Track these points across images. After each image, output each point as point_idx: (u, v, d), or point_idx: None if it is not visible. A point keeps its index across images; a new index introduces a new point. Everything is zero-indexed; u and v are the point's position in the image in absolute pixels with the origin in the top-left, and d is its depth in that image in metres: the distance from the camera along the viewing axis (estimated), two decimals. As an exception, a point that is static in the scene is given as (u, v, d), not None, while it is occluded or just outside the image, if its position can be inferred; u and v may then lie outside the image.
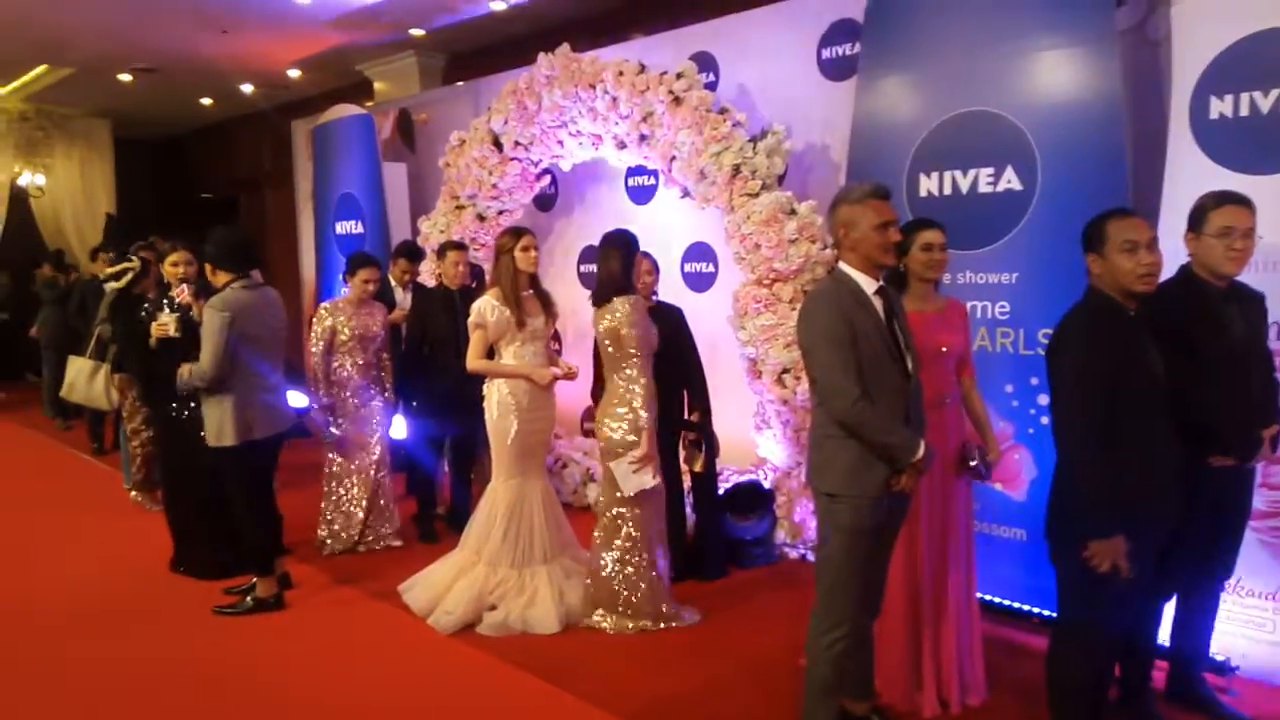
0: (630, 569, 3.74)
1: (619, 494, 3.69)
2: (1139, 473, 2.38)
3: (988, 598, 3.68)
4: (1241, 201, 2.65)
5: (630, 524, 3.73)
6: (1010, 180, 3.67)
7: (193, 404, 4.25)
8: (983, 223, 3.72)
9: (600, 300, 3.69)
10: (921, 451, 2.44)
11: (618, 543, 3.74)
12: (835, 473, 2.49)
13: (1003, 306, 3.73)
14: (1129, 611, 2.55)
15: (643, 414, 3.60)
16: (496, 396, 3.96)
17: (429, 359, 4.94)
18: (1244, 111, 3.16)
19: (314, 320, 4.83)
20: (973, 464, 2.92)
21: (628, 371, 3.65)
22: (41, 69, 9.48)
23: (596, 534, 3.81)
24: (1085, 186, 3.42)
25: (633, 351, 3.61)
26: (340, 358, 4.80)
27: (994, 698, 3.09)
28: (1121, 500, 2.34)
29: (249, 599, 4.09)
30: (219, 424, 3.87)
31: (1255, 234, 2.67)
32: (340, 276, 4.99)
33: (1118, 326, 2.40)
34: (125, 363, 5.52)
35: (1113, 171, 3.40)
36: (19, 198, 11.21)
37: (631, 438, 3.62)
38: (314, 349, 4.79)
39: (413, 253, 5.85)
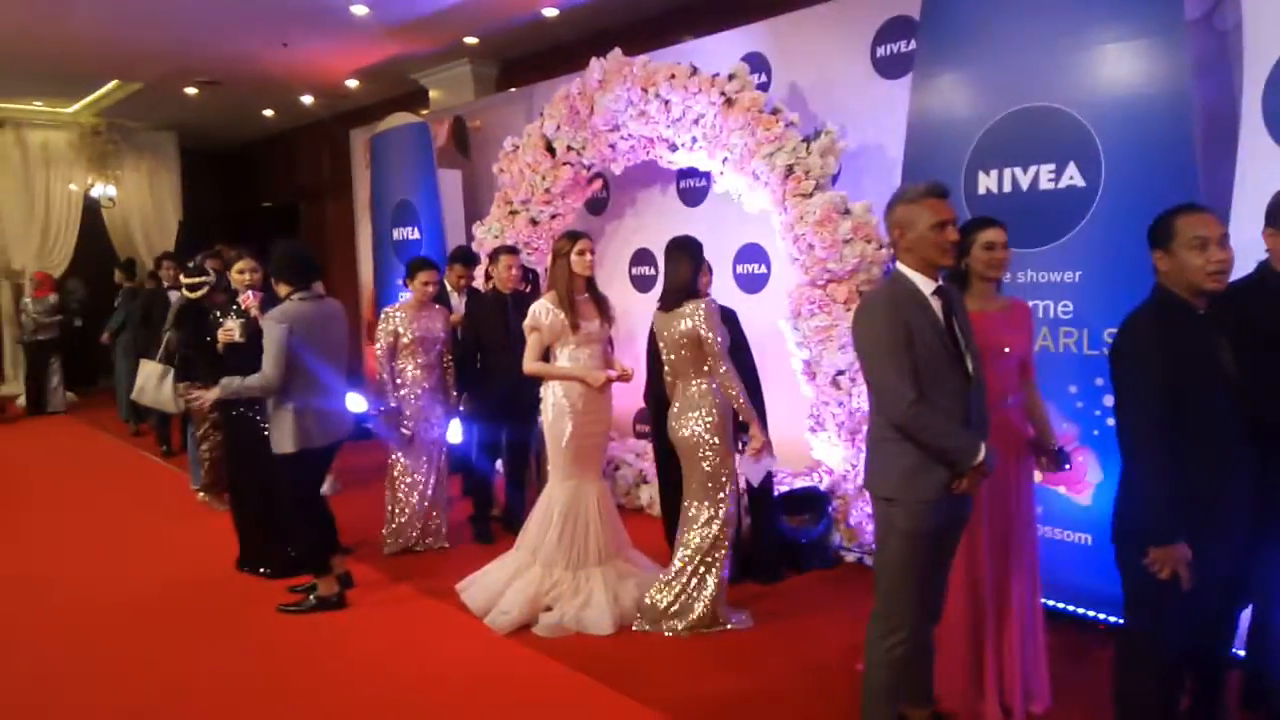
0: (705, 570, 3.74)
1: (707, 493, 3.71)
2: (1208, 478, 2.30)
3: (1052, 603, 3.59)
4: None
5: (717, 524, 3.73)
6: (1073, 176, 3.58)
7: (257, 405, 4.37)
8: (1044, 220, 3.64)
9: (670, 304, 3.70)
10: (983, 454, 2.39)
11: (697, 543, 3.75)
12: (892, 476, 2.46)
13: (1065, 306, 3.64)
14: (1196, 620, 2.46)
15: (723, 411, 3.67)
16: (552, 399, 3.99)
17: (484, 362, 5.00)
18: (1320, 101, 3.04)
19: (378, 325, 4.92)
20: (1055, 449, 2.88)
21: (706, 372, 3.67)
22: (112, 85, 9.83)
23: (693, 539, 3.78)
24: (1152, 182, 3.32)
25: (715, 353, 3.62)
26: (403, 361, 4.88)
27: (1058, 706, 3.01)
28: (1186, 506, 2.26)
29: (312, 597, 4.18)
30: (280, 430, 3.98)
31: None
32: (400, 281, 5.09)
33: (1186, 326, 2.32)
34: (194, 368, 5.69)
35: (1181, 166, 3.30)
36: (91, 209, 11.63)
37: (715, 439, 3.66)
38: (378, 353, 4.89)
39: (468, 258, 5.93)
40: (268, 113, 11.30)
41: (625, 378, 4.09)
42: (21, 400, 10.50)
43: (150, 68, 8.81)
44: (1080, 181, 3.56)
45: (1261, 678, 2.88)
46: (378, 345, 4.90)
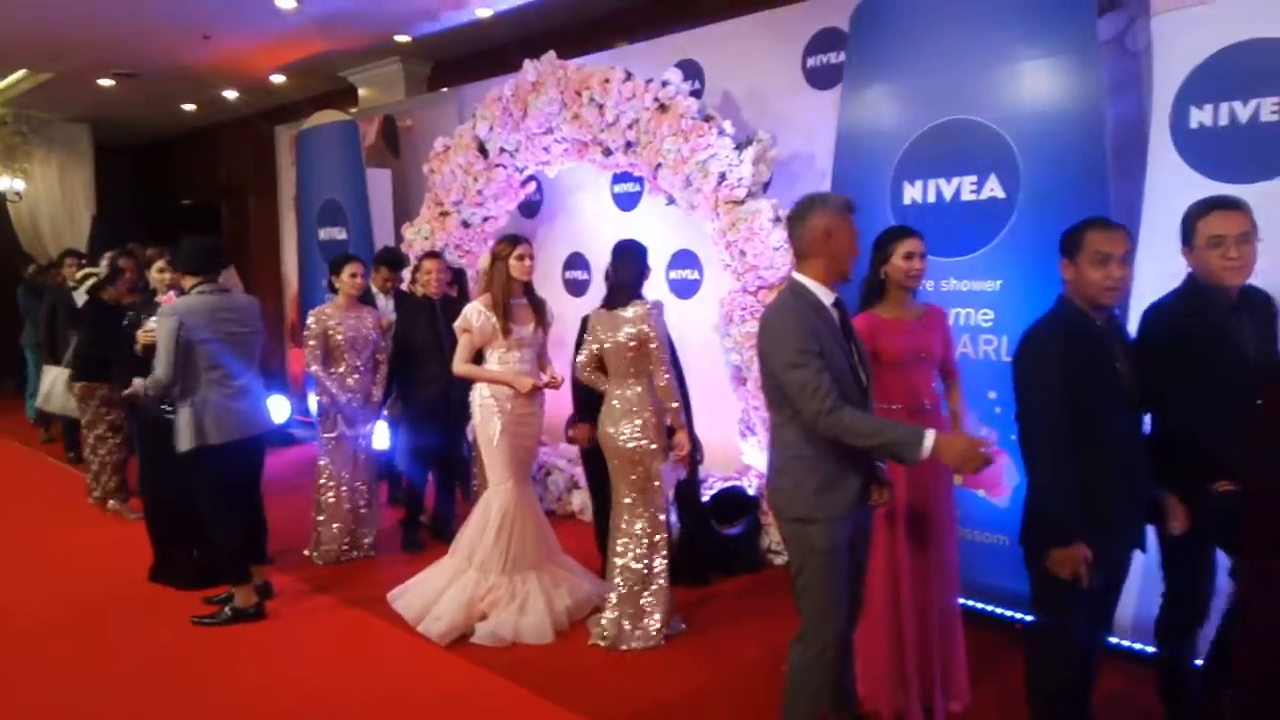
0: (648, 573, 3.73)
1: (636, 497, 3.70)
2: (1103, 482, 2.38)
3: (970, 603, 3.68)
4: (1230, 206, 2.49)
5: (658, 535, 3.73)
6: (993, 188, 3.69)
7: (167, 407, 4.20)
8: (966, 230, 3.75)
9: (615, 304, 3.69)
10: (930, 441, 2.25)
11: (637, 549, 3.73)
12: (804, 496, 2.43)
13: (986, 314, 3.74)
14: (1095, 614, 2.55)
15: (659, 415, 3.67)
16: (479, 399, 3.97)
17: (413, 367, 4.91)
18: (1223, 121, 3.19)
19: (307, 326, 4.75)
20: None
21: (643, 376, 3.67)
22: (20, 74, 9.37)
23: (619, 542, 3.76)
24: (1067, 195, 3.44)
25: (660, 358, 3.63)
26: (332, 363, 4.75)
27: (977, 703, 3.09)
28: (1085, 509, 2.34)
29: (227, 609, 4.04)
30: (180, 428, 3.87)
31: (1255, 238, 2.47)
32: (324, 282, 4.95)
33: (1084, 337, 2.41)
34: (91, 367, 5.46)
35: (1094, 180, 3.43)
36: (-4, 203, 11.10)
37: (653, 446, 3.65)
38: (309, 355, 4.72)
39: (394, 260, 5.81)
40: (188, 107, 10.92)
41: (554, 385, 4.07)
42: None
43: (63, 57, 8.42)
44: (1000, 193, 3.68)
45: (1177, 668, 2.98)
46: (307, 346, 4.74)
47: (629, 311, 3.64)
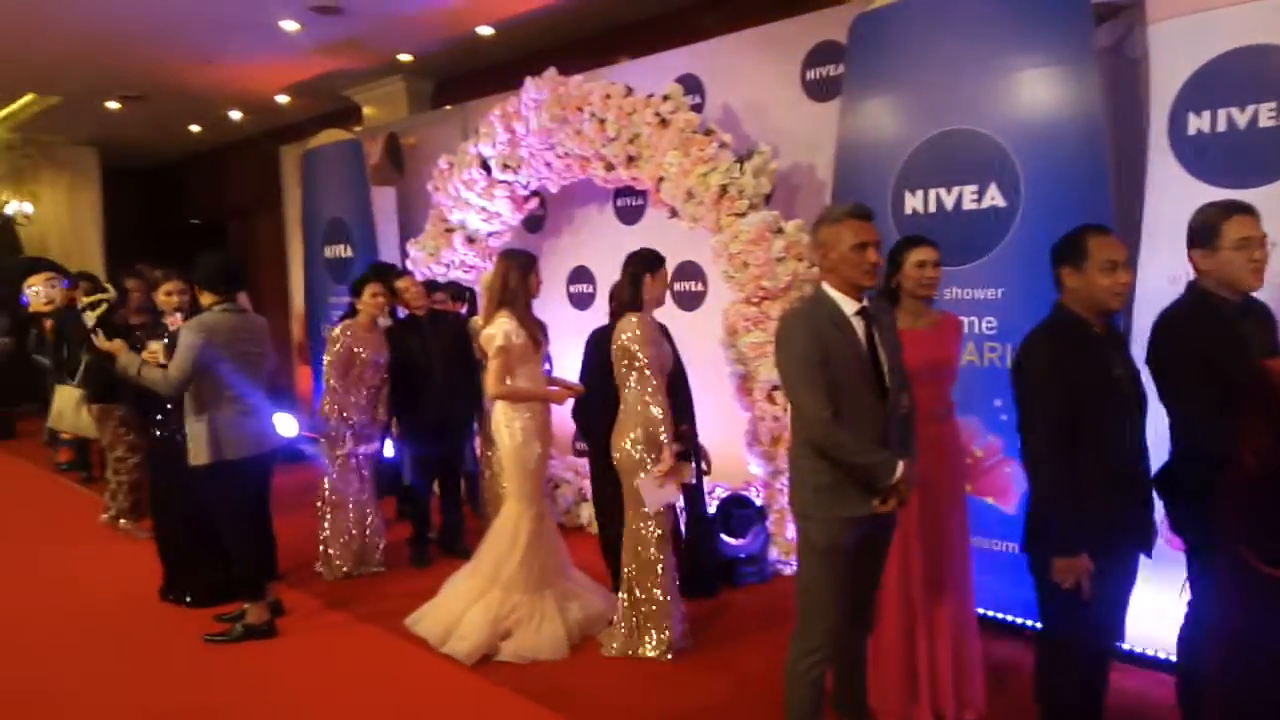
0: (656, 590, 3.70)
1: (644, 511, 3.66)
2: (1107, 489, 2.39)
3: (983, 612, 3.68)
4: (1251, 209, 2.48)
5: (653, 545, 3.69)
6: (994, 197, 3.71)
7: (178, 428, 4.23)
8: (967, 239, 3.76)
9: (615, 316, 3.71)
10: (900, 472, 2.41)
11: (640, 564, 3.70)
12: (807, 493, 2.49)
13: (989, 321, 3.75)
14: (1103, 622, 2.54)
15: (659, 430, 3.58)
16: (520, 422, 3.88)
17: (409, 384, 4.93)
18: (1221, 127, 3.21)
19: (330, 343, 4.74)
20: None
21: (637, 388, 3.62)
22: (28, 98, 9.47)
23: (629, 557, 3.74)
24: (1069, 202, 3.45)
25: (641, 367, 3.58)
26: (351, 380, 4.75)
27: (992, 712, 3.08)
28: (1087, 517, 2.35)
29: (239, 626, 4.05)
30: (195, 443, 3.89)
31: (1269, 241, 2.47)
32: (346, 300, 4.97)
33: (1084, 345, 2.42)
34: (104, 388, 5.49)
35: (1095, 187, 3.45)
36: (6, 226, 11.17)
37: (640, 452, 3.60)
38: (328, 371, 4.71)
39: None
40: (194, 128, 11.02)
41: (579, 393, 4.07)
42: None
43: (70, 80, 8.51)
44: (1001, 202, 3.69)
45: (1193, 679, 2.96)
46: (328, 362, 4.71)
47: (623, 322, 3.62)
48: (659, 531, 3.68)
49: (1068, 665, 2.51)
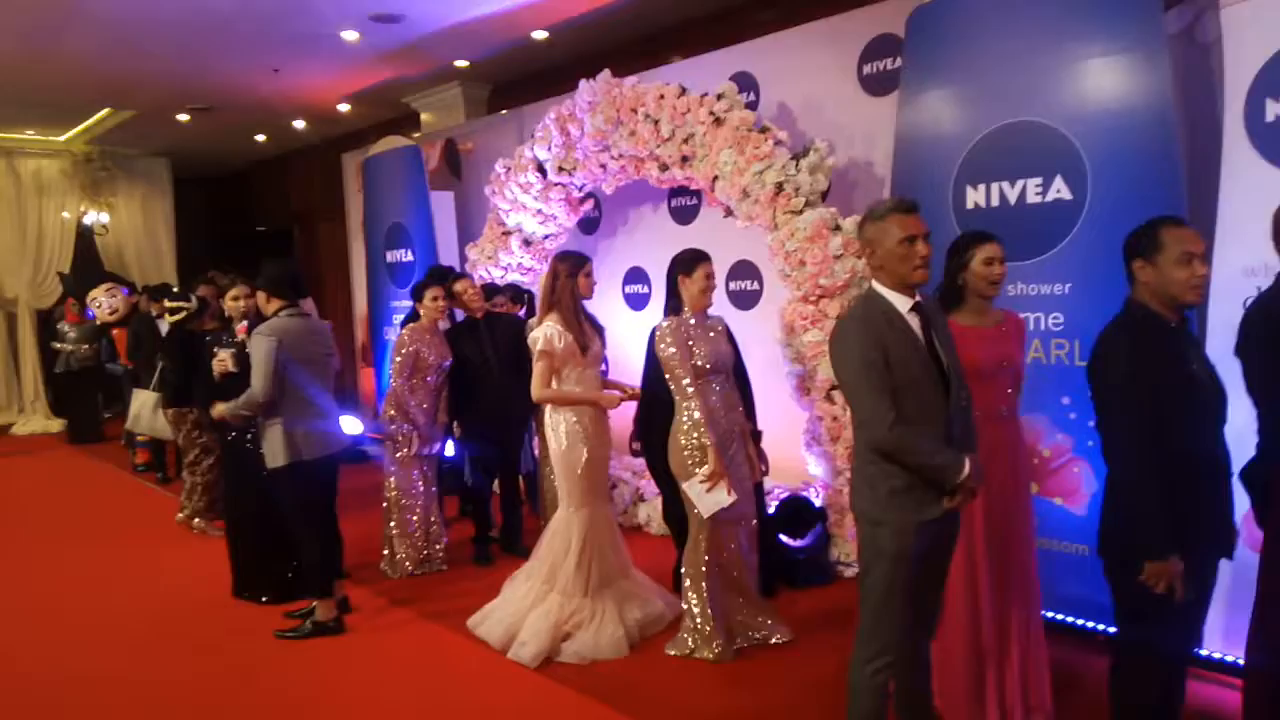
0: (701, 592, 3.68)
1: (697, 515, 3.62)
2: (1189, 489, 2.31)
3: (1051, 615, 3.59)
4: None
5: (703, 546, 3.65)
6: (1059, 190, 3.61)
7: (253, 433, 4.37)
8: (1032, 234, 3.67)
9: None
10: (967, 470, 2.36)
11: (698, 565, 3.67)
12: (879, 497, 2.42)
13: (1056, 318, 3.66)
14: (1188, 627, 2.47)
15: (698, 434, 3.55)
16: (565, 426, 3.89)
17: (466, 385, 5.01)
18: (1303, 112, 3.08)
19: (397, 345, 4.84)
20: None
21: (688, 390, 3.57)
22: (105, 112, 9.86)
23: (689, 558, 3.72)
24: (1139, 194, 3.35)
25: (673, 374, 3.55)
26: (416, 382, 4.86)
27: (1060, 718, 3.01)
28: (1171, 518, 2.27)
29: (308, 623, 4.16)
30: (271, 447, 4.00)
31: None
32: (409, 303, 5.08)
33: (1160, 339, 2.34)
34: (184, 394, 5.69)
35: (1167, 178, 3.33)
36: (85, 236, 11.64)
37: (688, 457, 3.57)
38: (394, 373, 4.81)
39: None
40: (260, 137, 11.34)
41: (635, 397, 4.06)
42: (33, 430, 10.48)
43: (143, 95, 8.85)
44: (1067, 194, 3.60)
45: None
46: (395, 364, 4.81)
47: (657, 328, 3.60)
48: (703, 537, 3.64)
49: (1144, 671, 2.44)
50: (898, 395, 2.36)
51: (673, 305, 3.67)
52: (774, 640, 3.80)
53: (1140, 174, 3.40)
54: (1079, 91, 3.57)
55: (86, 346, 9.33)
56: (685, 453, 3.58)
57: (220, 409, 4.22)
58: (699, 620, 3.70)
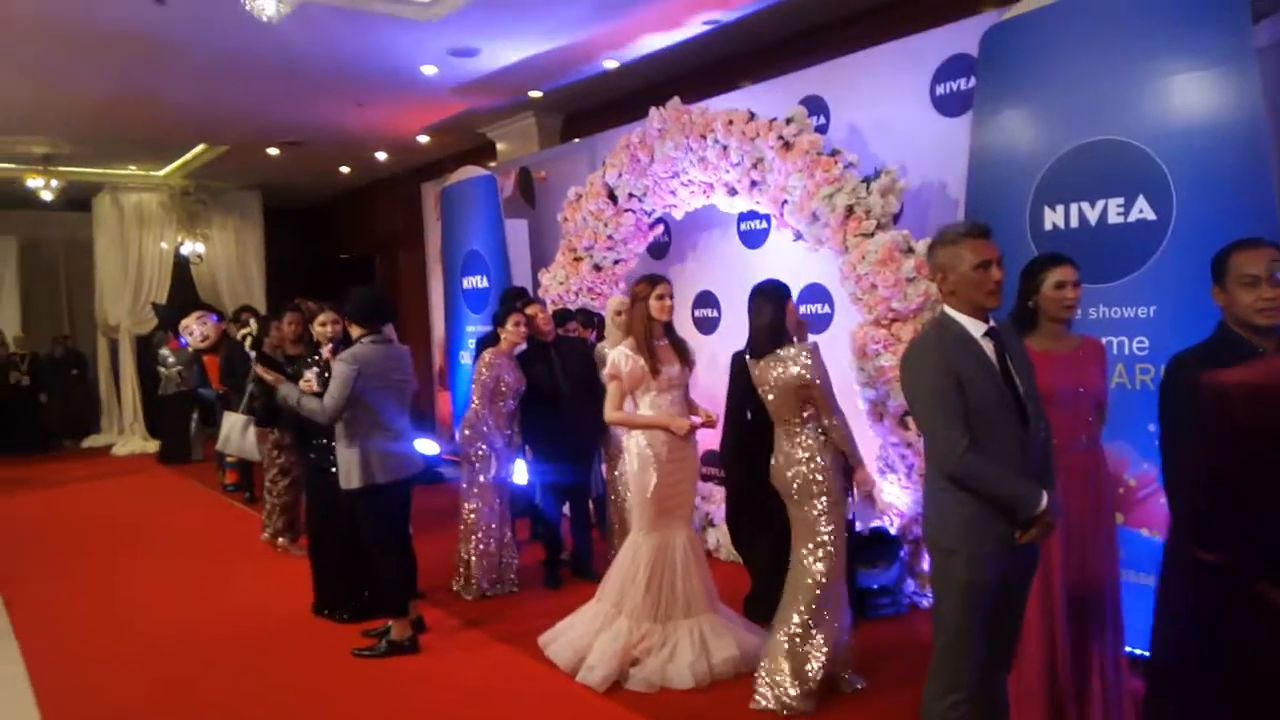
0: (816, 627, 3.50)
1: (808, 543, 3.51)
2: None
3: (1137, 652, 3.43)
4: None
5: (822, 574, 3.48)
6: (1142, 210, 3.50)
7: (333, 457, 4.50)
8: (1115, 255, 3.56)
9: (760, 352, 3.54)
10: (1044, 503, 2.29)
11: (809, 599, 3.50)
12: (951, 526, 2.37)
13: (1140, 342, 3.53)
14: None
15: (833, 454, 3.48)
16: (636, 449, 3.90)
17: (536, 408, 5.07)
18: (1406, 124, 2.93)
19: (480, 369, 4.94)
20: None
21: (808, 418, 3.48)
22: (200, 148, 10.40)
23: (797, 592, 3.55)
24: (1227, 212, 3.22)
25: (823, 400, 3.44)
26: (495, 407, 4.96)
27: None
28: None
29: (384, 642, 4.25)
30: (347, 468, 4.12)
31: None
32: (487, 327, 5.16)
33: (1240, 363, 2.26)
34: (273, 416, 5.90)
35: (1257, 195, 3.19)
36: (181, 265, 12.24)
37: (817, 483, 3.46)
38: (478, 398, 4.91)
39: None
40: (344, 169, 11.79)
41: (710, 424, 4.02)
42: (132, 450, 11.00)
43: (235, 131, 9.31)
44: (1151, 215, 3.48)
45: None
46: (478, 388, 4.91)
47: (786, 353, 3.47)
48: (832, 563, 3.49)
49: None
50: (971, 422, 2.31)
51: (779, 333, 3.55)
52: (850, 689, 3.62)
53: (1229, 193, 3.26)
54: (1163, 108, 3.46)
55: (184, 370, 9.81)
56: (828, 473, 3.47)
57: (282, 387, 4.28)
58: (825, 654, 3.50)
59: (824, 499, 3.48)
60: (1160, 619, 2.53)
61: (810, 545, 3.52)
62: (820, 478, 3.48)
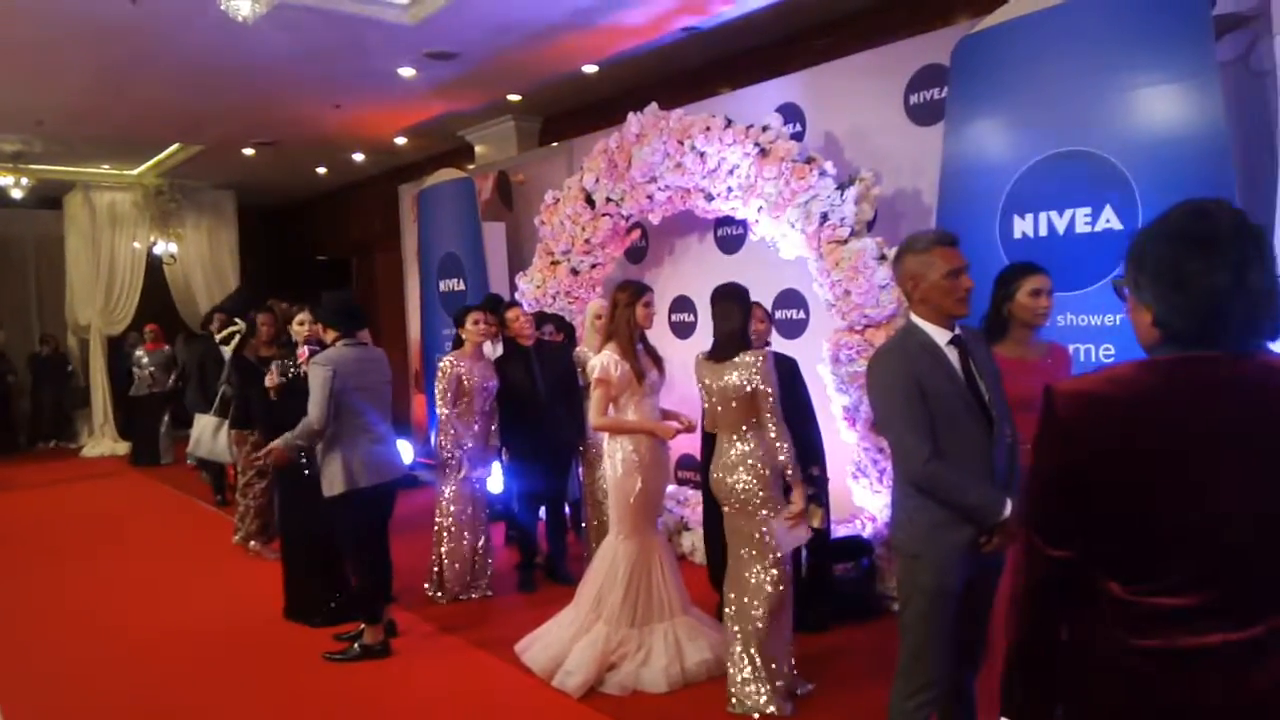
0: (758, 644, 3.50)
1: (753, 551, 3.50)
2: None
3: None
4: None
5: (769, 588, 3.49)
6: (1109, 219, 3.57)
7: (307, 457, 4.48)
8: (1082, 263, 3.62)
9: (723, 355, 3.51)
10: (1008, 511, 2.31)
11: (758, 603, 3.50)
12: (917, 531, 2.40)
13: (1107, 349, 3.60)
14: None
15: (777, 468, 3.45)
16: (621, 454, 3.89)
17: (514, 412, 5.07)
18: (1362, 139, 3.01)
19: (438, 375, 4.92)
20: None
21: (755, 425, 3.46)
22: (174, 147, 10.30)
23: (734, 595, 3.56)
24: (1191, 223, 3.28)
25: (771, 409, 3.42)
26: (461, 408, 4.93)
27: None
28: None
29: (357, 645, 4.23)
30: (329, 474, 4.08)
31: None
32: (451, 331, 5.16)
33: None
34: (246, 418, 5.86)
35: (1220, 207, 3.26)
36: (154, 266, 12.09)
37: (763, 493, 3.45)
38: (440, 401, 4.89)
39: (495, 306, 5.98)
40: (321, 170, 11.71)
41: (691, 428, 4.02)
42: (102, 452, 10.86)
43: (211, 131, 9.22)
44: (1117, 224, 3.54)
45: None
46: (439, 390, 4.87)
47: (740, 360, 3.44)
48: (776, 571, 3.49)
49: None
50: (937, 429, 2.34)
51: (743, 339, 3.53)
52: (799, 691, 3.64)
53: (1193, 203, 3.33)
54: (1129, 120, 3.53)
55: (157, 371, 9.74)
56: (750, 488, 3.46)
57: (277, 445, 4.19)
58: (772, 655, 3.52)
59: (764, 511, 3.46)
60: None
61: (753, 553, 3.49)
62: (762, 491, 3.45)
